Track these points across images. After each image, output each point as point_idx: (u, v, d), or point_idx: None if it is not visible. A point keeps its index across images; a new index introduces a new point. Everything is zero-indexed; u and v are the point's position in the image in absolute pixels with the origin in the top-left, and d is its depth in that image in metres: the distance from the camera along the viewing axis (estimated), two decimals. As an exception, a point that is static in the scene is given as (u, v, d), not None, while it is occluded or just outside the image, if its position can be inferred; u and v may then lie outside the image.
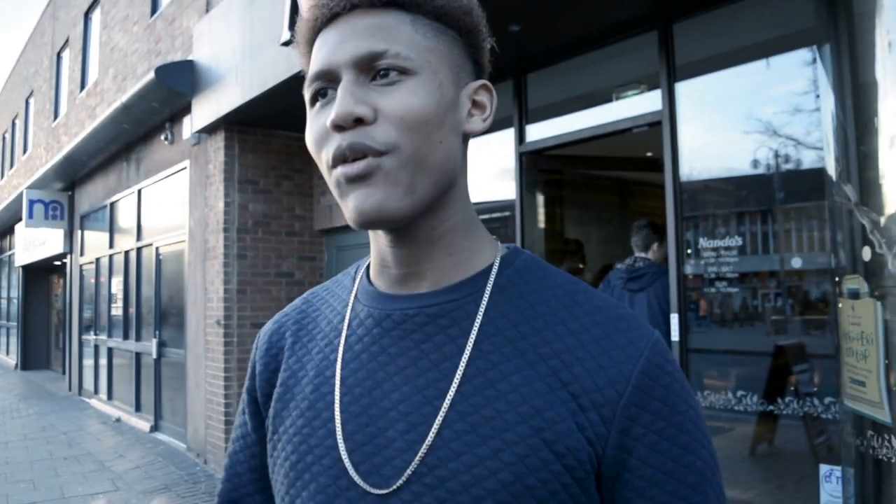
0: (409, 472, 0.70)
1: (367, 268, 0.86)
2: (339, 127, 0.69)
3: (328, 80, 0.73)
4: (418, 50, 0.71)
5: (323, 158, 0.72)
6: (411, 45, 0.71)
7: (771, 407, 3.46)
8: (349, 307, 0.83)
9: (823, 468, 3.13)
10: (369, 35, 0.71)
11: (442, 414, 0.70)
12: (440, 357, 0.73)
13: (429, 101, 0.70)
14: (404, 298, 0.78)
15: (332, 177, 0.72)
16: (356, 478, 0.72)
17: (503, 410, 0.69)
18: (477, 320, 0.74)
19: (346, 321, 0.82)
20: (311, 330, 0.86)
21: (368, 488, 0.71)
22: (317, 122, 0.73)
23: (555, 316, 0.74)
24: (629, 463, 0.68)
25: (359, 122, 0.69)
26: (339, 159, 0.70)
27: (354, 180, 0.69)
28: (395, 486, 0.70)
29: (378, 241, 0.80)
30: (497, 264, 0.78)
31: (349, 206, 0.71)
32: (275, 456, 0.81)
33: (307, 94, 0.75)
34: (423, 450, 0.70)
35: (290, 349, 0.86)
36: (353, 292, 0.84)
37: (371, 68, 0.70)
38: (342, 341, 0.80)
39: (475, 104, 0.78)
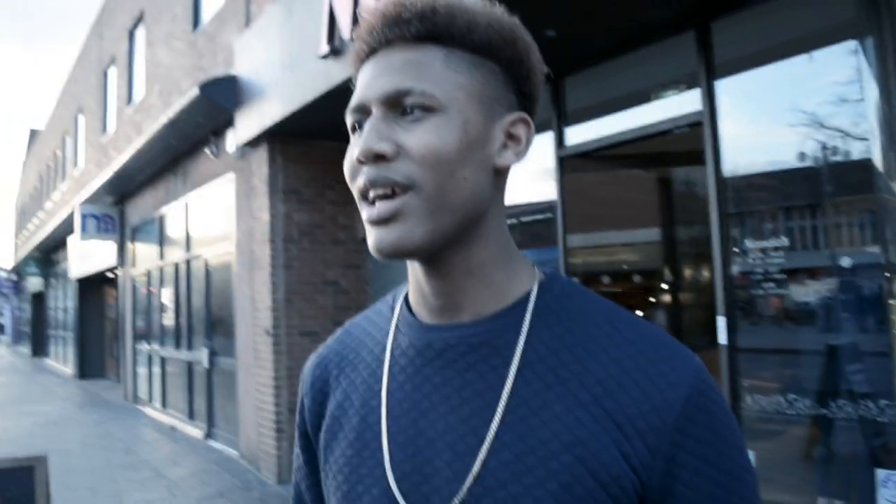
0: (456, 500, 0.71)
1: (406, 296, 0.87)
2: (363, 161, 0.73)
3: (362, 114, 0.76)
4: (447, 86, 0.73)
5: (354, 189, 0.76)
6: (440, 82, 0.72)
7: (824, 410, 3.39)
8: (390, 337, 0.85)
9: (881, 473, 3.06)
10: (400, 72, 0.73)
11: (487, 444, 0.72)
12: (483, 387, 0.74)
13: (451, 138, 0.72)
14: (444, 329, 0.79)
15: (362, 213, 0.75)
16: None
17: (547, 440, 0.70)
18: (518, 349, 0.75)
19: (388, 351, 0.83)
20: (353, 360, 0.88)
21: None
22: (350, 153, 0.75)
23: (595, 343, 0.74)
24: (675, 489, 0.69)
25: (380, 158, 0.72)
26: (364, 193, 0.74)
27: (377, 223, 0.73)
28: None
29: (415, 271, 0.81)
30: (535, 292, 0.79)
31: (370, 242, 0.74)
32: (328, 485, 0.84)
33: (348, 123, 0.78)
34: (469, 479, 0.71)
35: (335, 381, 0.88)
36: (394, 322, 0.86)
37: (399, 104, 0.73)
38: (385, 371, 0.82)
39: (510, 137, 0.78)
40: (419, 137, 0.71)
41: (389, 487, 0.75)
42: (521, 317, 0.77)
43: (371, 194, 0.72)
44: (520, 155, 0.78)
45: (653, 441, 0.69)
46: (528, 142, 0.79)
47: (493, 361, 0.75)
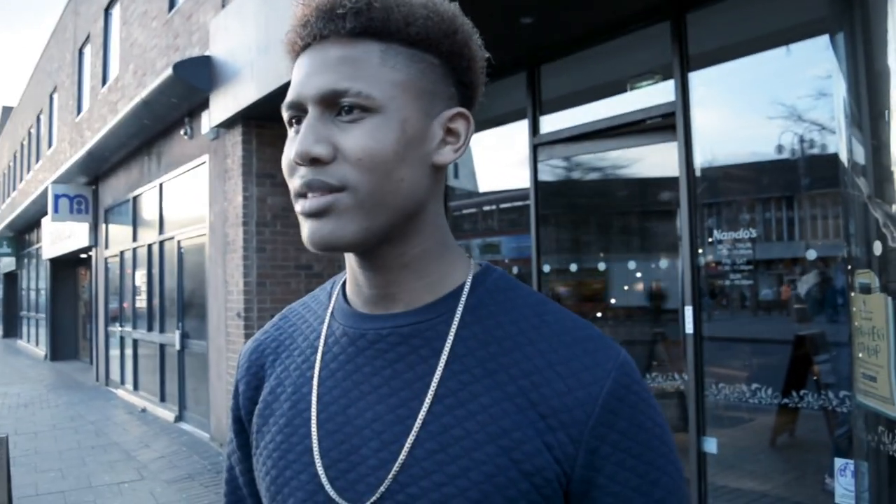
0: (382, 488, 0.72)
1: (344, 285, 0.87)
2: (299, 163, 0.72)
3: (298, 110, 0.74)
4: (384, 85, 0.71)
5: (291, 187, 0.75)
6: (377, 80, 0.71)
7: (786, 400, 3.44)
8: (325, 325, 0.85)
9: (838, 462, 3.12)
10: (335, 70, 0.71)
11: (413, 433, 0.72)
12: (412, 377, 0.75)
13: (388, 140, 0.71)
14: (378, 318, 0.79)
15: (296, 206, 0.75)
16: (332, 493, 0.75)
17: (472, 430, 0.71)
18: (448, 341, 0.75)
19: (322, 339, 0.84)
20: (289, 346, 0.88)
21: (344, 503, 0.74)
22: (288, 151, 0.74)
23: (523, 336, 0.75)
24: (597, 481, 0.70)
25: (316, 160, 0.71)
26: (300, 194, 0.73)
27: (311, 215, 0.72)
28: (368, 503, 0.72)
29: (351, 261, 0.81)
30: (468, 284, 0.79)
31: (304, 234, 0.74)
32: (258, 470, 0.84)
33: (284, 118, 0.77)
34: (395, 467, 0.72)
35: (270, 367, 0.88)
36: (330, 310, 0.86)
37: (335, 104, 0.71)
38: (318, 359, 0.82)
39: (449, 132, 0.77)
40: (356, 140, 0.70)
41: (317, 474, 0.76)
42: (454, 309, 0.77)
43: (308, 195, 0.72)
44: (459, 150, 0.78)
45: (576, 433, 0.70)
46: (468, 137, 0.78)
47: (423, 352, 0.76)
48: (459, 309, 0.77)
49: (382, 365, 0.77)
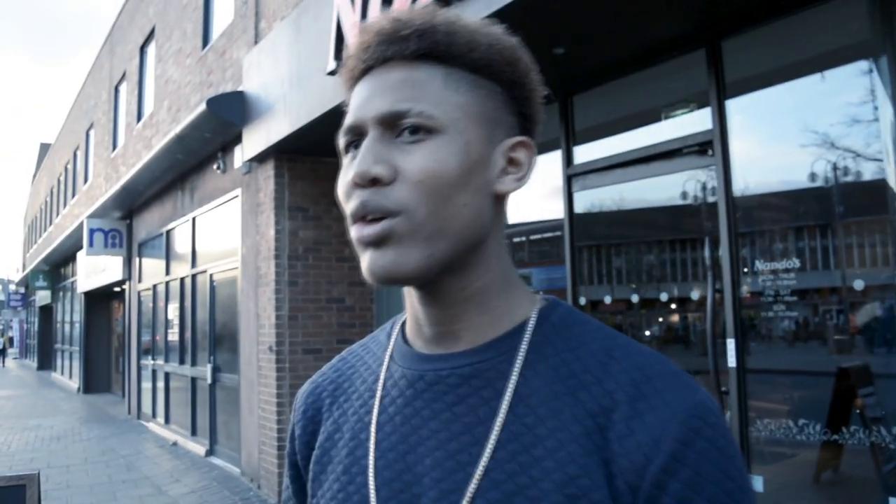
0: None
1: (403, 324, 0.84)
2: (359, 184, 0.69)
3: (357, 134, 0.72)
4: (446, 107, 0.70)
5: (346, 211, 0.72)
6: (438, 102, 0.69)
7: (835, 437, 3.32)
8: (384, 367, 0.81)
9: (893, 501, 2.98)
10: (397, 91, 0.70)
11: (475, 482, 0.68)
12: (473, 420, 0.71)
13: (451, 162, 0.69)
14: (438, 358, 0.75)
15: (352, 232, 0.72)
16: None
17: (538, 478, 0.66)
18: (511, 381, 0.71)
19: (381, 382, 0.80)
20: (347, 389, 0.84)
21: None
22: (345, 175, 0.72)
23: (590, 374, 0.70)
24: None
25: (376, 181, 0.68)
26: (357, 217, 0.70)
27: (368, 244, 0.69)
28: None
29: (411, 298, 0.78)
30: (533, 320, 0.75)
31: (363, 265, 0.71)
32: None
33: (341, 144, 0.75)
34: None
35: (327, 410, 0.85)
36: (389, 351, 0.83)
37: (396, 125, 0.69)
38: (377, 403, 0.79)
39: (511, 161, 0.75)
40: (417, 161, 0.68)
41: None
42: (517, 346, 0.73)
43: (367, 218, 0.69)
44: (521, 180, 0.75)
45: (635, 480, 0.64)
46: (530, 167, 0.76)
47: (484, 394, 0.71)
48: (523, 347, 0.73)
49: (441, 408, 0.73)
